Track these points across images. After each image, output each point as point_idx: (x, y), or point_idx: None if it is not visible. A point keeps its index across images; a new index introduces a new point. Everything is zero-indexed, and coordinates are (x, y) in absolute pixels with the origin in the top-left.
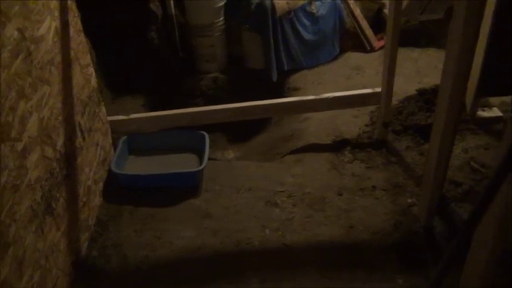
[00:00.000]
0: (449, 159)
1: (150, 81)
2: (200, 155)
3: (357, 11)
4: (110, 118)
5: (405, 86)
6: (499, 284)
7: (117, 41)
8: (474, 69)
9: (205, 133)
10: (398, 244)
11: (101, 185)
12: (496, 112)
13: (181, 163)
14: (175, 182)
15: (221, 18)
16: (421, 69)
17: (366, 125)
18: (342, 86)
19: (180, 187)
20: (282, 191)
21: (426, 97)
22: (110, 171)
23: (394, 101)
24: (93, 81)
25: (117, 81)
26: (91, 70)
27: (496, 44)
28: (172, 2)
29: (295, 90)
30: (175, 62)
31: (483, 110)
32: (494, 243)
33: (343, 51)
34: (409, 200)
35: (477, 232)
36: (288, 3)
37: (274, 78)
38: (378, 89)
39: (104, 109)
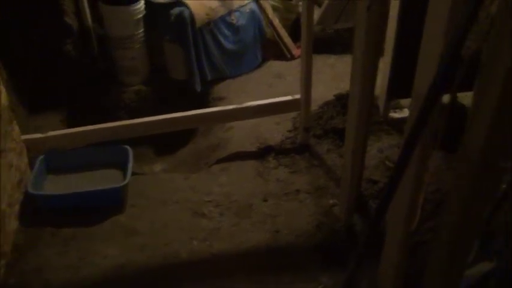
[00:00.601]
0: (364, 160)
1: (69, 95)
2: (124, 170)
3: (276, 21)
4: (25, 137)
5: (324, 91)
6: (412, 272)
7: (32, 56)
8: (384, 73)
9: (128, 147)
10: (321, 244)
11: (17, 208)
12: (406, 113)
13: (105, 180)
14: (98, 200)
15: (141, 30)
16: (337, 75)
17: (289, 131)
18: (265, 93)
19: (103, 204)
20: (209, 201)
21: (343, 102)
22: (26, 193)
23: (315, 106)
24: (3, 99)
25: (33, 98)
26: (0, 88)
27: (401, 50)
28: (89, 14)
29: (219, 100)
30: (94, 75)
31: (395, 112)
32: (404, 233)
33: (265, 59)
34: (331, 201)
35: (389, 224)
36: (207, 14)
37: (198, 88)
38: (298, 96)
39: (17, 128)
